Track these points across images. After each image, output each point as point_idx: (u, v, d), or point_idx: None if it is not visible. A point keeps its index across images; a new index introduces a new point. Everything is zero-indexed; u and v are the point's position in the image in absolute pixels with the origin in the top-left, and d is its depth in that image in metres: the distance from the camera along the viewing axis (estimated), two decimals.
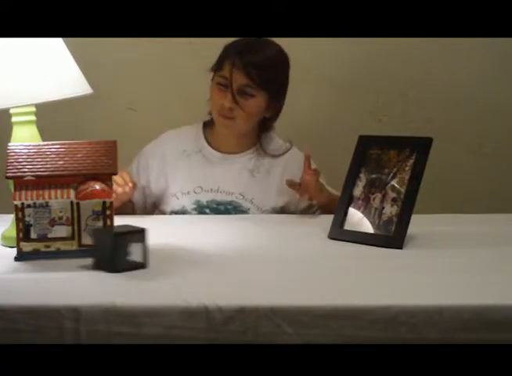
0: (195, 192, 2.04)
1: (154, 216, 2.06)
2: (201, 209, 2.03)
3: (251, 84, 1.96)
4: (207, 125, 2.11)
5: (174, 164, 2.07)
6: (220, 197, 2.03)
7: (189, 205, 2.03)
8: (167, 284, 1.33)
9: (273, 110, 2.05)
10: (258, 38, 2.01)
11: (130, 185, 1.86)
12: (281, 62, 2.03)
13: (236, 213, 2.02)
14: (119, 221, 1.53)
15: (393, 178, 1.64)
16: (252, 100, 1.99)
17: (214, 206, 2.03)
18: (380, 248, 1.57)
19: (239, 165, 2.07)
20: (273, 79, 2.01)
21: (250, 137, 2.08)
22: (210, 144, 2.08)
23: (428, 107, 2.68)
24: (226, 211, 2.03)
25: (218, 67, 2.00)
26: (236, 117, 1.99)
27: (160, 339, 1.20)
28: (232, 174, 2.05)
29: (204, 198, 2.03)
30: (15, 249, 1.49)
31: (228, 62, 1.97)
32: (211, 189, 2.04)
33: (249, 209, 2.03)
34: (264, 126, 2.09)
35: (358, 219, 1.66)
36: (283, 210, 2.06)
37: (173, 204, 2.04)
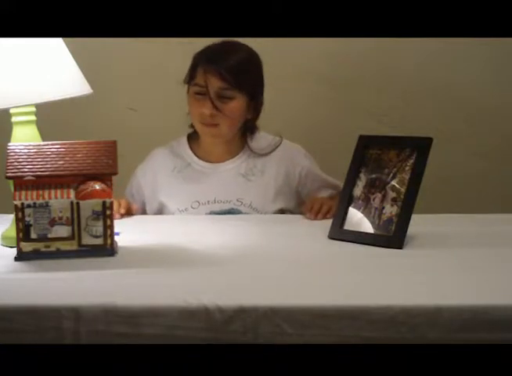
0: (192, 207, 2.02)
1: (154, 216, 2.06)
2: None
3: (227, 86, 1.95)
4: (192, 138, 2.09)
5: (167, 183, 2.05)
6: (218, 207, 2.02)
7: None
8: (167, 284, 1.33)
9: (254, 109, 2.03)
10: (226, 41, 2.00)
11: (122, 211, 1.88)
12: (253, 61, 2.01)
13: None
14: (119, 221, 1.53)
15: (393, 178, 1.64)
16: (232, 103, 1.96)
17: None
18: (380, 248, 1.57)
19: (232, 172, 2.05)
20: (249, 79, 1.99)
21: (236, 141, 2.06)
22: (198, 156, 2.07)
23: (428, 107, 2.68)
24: None
25: (190, 77, 1.99)
26: (220, 123, 1.97)
27: (160, 339, 1.20)
28: (225, 182, 2.04)
29: (203, 211, 2.01)
30: (15, 249, 1.49)
31: (200, 69, 1.96)
32: (208, 201, 2.02)
33: (249, 214, 2.02)
34: (248, 128, 2.07)
35: (358, 219, 1.66)
36: (282, 212, 2.06)
37: None
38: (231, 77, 1.94)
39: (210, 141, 2.04)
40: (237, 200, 2.02)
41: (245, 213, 2.02)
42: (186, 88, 2.03)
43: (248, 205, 2.02)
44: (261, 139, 2.09)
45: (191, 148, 2.08)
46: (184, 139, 2.10)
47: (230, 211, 2.01)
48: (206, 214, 2.01)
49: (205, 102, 1.95)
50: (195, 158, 2.07)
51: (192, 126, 2.07)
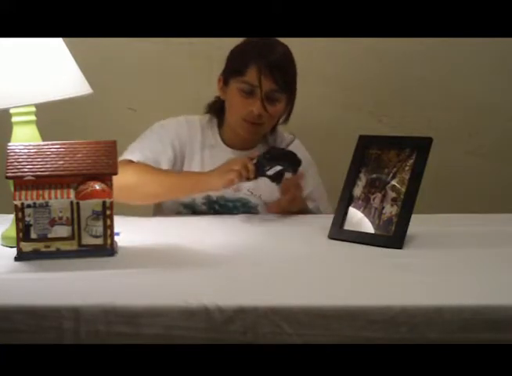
0: None
1: (154, 217, 2.06)
2: (210, 204, 2.02)
3: (277, 88, 1.95)
4: (219, 122, 2.10)
5: (192, 156, 2.05)
6: (229, 194, 2.02)
7: (199, 199, 2.03)
8: (167, 284, 1.33)
9: (289, 111, 2.05)
10: (268, 39, 1.99)
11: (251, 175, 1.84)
12: (292, 60, 2.01)
13: (244, 209, 2.02)
14: (119, 221, 1.54)
15: (393, 178, 1.64)
16: (278, 105, 1.98)
17: (223, 202, 2.03)
18: (380, 248, 1.57)
19: None
20: (292, 79, 2.00)
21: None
22: (223, 141, 2.07)
23: (428, 107, 2.68)
24: (234, 208, 2.03)
25: (237, 72, 1.96)
26: (264, 123, 1.98)
27: (160, 339, 1.20)
28: None
29: (214, 194, 2.02)
30: (15, 249, 1.49)
31: (252, 67, 1.93)
32: None
33: (257, 205, 2.03)
34: (274, 126, 2.09)
35: (358, 219, 1.66)
36: None
37: None
38: (281, 80, 1.94)
39: (248, 136, 2.03)
40: (248, 190, 2.02)
41: (253, 203, 2.03)
42: (221, 78, 2.02)
43: (258, 196, 2.03)
44: (277, 134, 2.11)
45: (218, 132, 2.08)
46: (214, 121, 2.09)
47: (239, 200, 2.02)
48: (217, 197, 2.02)
49: (254, 101, 1.94)
50: (221, 143, 2.07)
51: (210, 110, 2.08)
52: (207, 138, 2.07)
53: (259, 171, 1.81)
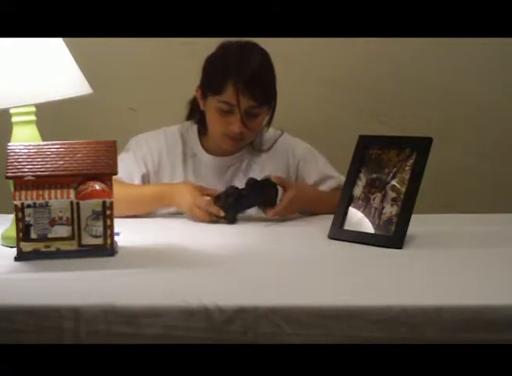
0: None
1: (153, 217, 2.05)
2: None
3: (257, 105, 1.92)
4: (199, 130, 2.08)
5: (171, 167, 2.05)
6: None
7: None
8: (167, 284, 1.33)
9: (270, 116, 2.03)
10: (244, 45, 1.96)
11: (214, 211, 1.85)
12: (270, 66, 1.98)
13: None
14: (119, 221, 1.54)
15: (393, 178, 1.64)
16: (258, 119, 1.97)
17: None
18: (380, 248, 1.57)
19: (234, 167, 2.06)
20: (271, 90, 1.98)
21: None
22: (204, 148, 2.07)
23: (428, 107, 2.68)
24: None
25: (214, 90, 1.93)
26: (245, 137, 1.98)
27: (160, 339, 1.20)
28: (226, 177, 2.04)
29: None
30: (15, 249, 1.49)
31: (229, 86, 1.89)
32: None
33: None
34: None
35: (358, 219, 1.66)
36: None
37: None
38: (261, 96, 1.92)
39: (229, 149, 2.03)
40: None
41: None
42: (199, 90, 2.00)
43: None
44: (262, 135, 2.10)
45: (199, 140, 2.07)
46: (195, 129, 2.07)
47: None
48: None
49: (234, 120, 1.92)
50: (202, 151, 2.06)
51: (191, 117, 2.07)
52: (188, 147, 2.07)
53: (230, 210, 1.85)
